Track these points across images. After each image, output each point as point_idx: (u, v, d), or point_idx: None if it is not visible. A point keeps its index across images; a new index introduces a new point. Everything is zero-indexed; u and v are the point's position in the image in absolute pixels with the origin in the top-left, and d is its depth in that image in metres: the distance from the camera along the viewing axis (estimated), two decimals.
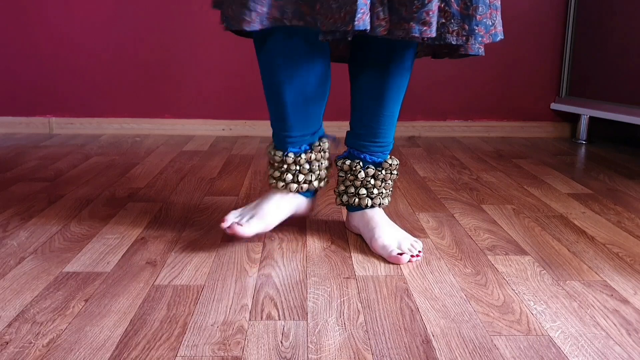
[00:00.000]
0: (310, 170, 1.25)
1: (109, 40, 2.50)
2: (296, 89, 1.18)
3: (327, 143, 1.28)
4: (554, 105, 2.58)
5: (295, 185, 1.25)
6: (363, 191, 1.27)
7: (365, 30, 1.00)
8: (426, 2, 0.99)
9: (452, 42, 1.06)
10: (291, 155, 1.23)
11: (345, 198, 1.30)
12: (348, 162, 1.28)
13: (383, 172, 1.27)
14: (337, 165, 1.30)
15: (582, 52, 2.44)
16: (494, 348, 0.88)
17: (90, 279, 1.10)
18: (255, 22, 1.02)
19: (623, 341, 0.90)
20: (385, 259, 1.19)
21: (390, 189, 1.31)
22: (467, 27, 1.05)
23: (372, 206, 1.28)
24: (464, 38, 1.06)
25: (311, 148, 1.25)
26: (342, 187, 1.30)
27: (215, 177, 1.84)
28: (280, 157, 1.24)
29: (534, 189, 1.74)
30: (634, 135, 2.56)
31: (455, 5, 1.04)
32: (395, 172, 1.29)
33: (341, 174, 1.30)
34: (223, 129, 2.57)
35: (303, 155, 1.24)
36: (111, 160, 2.06)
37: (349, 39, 1.04)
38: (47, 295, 1.03)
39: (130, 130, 2.57)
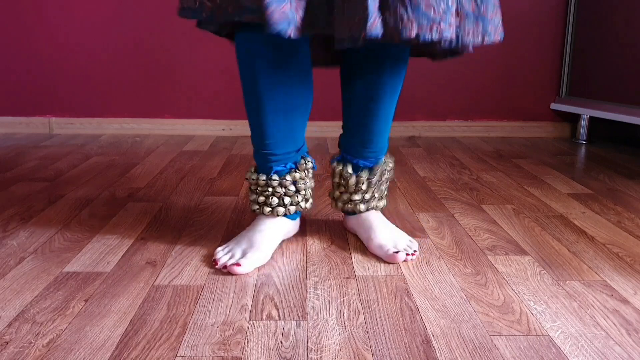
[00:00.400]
0: (297, 191, 1.21)
1: (109, 41, 2.50)
2: (280, 102, 1.13)
3: (311, 163, 1.22)
4: (554, 105, 2.58)
5: (282, 209, 1.20)
6: (356, 197, 1.25)
7: (377, 37, 0.98)
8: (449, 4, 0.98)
9: (468, 43, 1.05)
10: (276, 177, 1.18)
11: (340, 204, 1.29)
12: (340, 167, 1.26)
13: (374, 178, 1.25)
14: (331, 165, 1.29)
15: (582, 52, 2.44)
16: (494, 348, 0.88)
17: (90, 279, 1.10)
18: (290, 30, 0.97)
19: (623, 341, 0.90)
20: (383, 259, 1.19)
21: (386, 191, 1.30)
22: (481, 26, 1.05)
23: (367, 210, 1.27)
24: (480, 37, 1.05)
25: (296, 167, 1.20)
26: (337, 193, 1.29)
27: (215, 177, 1.84)
28: (264, 180, 1.18)
29: (534, 189, 1.74)
30: (634, 135, 2.56)
31: (467, 7, 1.04)
32: (388, 174, 1.27)
33: (335, 179, 1.28)
34: (223, 129, 2.57)
35: (288, 176, 1.19)
36: (111, 160, 2.06)
37: (359, 46, 1.01)
38: (47, 295, 1.03)
39: (130, 130, 2.57)
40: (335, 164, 1.28)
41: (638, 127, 2.53)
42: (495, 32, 1.07)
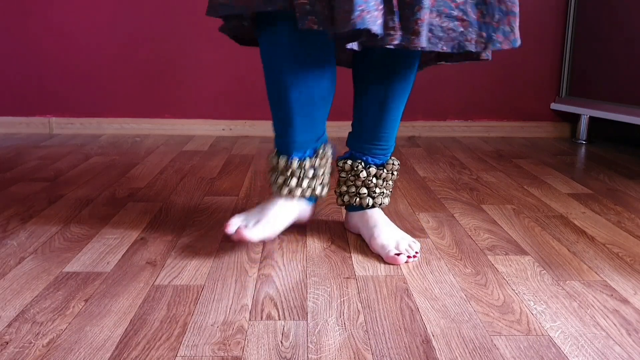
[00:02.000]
0: (314, 176, 1.24)
1: (109, 41, 2.50)
2: (303, 93, 1.16)
3: (330, 150, 1.26)
4: (554, 105, 2.58)
5: (299, 191, 1.22)
6: (364, 191, 1.27)
7: (377, 35, 0.98)
8: (415, 10, 0.99)
9: (472, 50, 1.07)
10: (295, 160, 1.21)
11: (346, 198, 1.30)
12: (350, 162, 1.28)
13: (384, 171, 1.27)
14: (338, 166, 1.30)
15: (582, 52, 2.44)
16: (494, 348, 0.88)
17: (90, 279, 1.10)
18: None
19: (623, 341, 0.90)
20: (384, 260, 1.19)
21: (390, 189, 1.31)
22: (484, 34, 1.06)
23: (373, 206, 1.28)
24: (483, 45, 1.07)
25: (315, 154, 1.23)
26: (344, 188, 1.30)
27: (215, 177, 1.84)
28: (284, 162, 1.21)
29: (534, 189, 1.74)
30: (634, 135, 2.56)
31: (472, 14, 1.05)
32: (395, 172, 1.29)
33: (342, 174, 1.30)
34: (223, 129, 2.57)
35: (307, 161, 1.21)
36: (111, 160, 2.06)
37: (357, 48, 1.02)
38: (47, 295, 1.03)
39: (130, 130, 2.57)
40: (343, 161, 1.29)
41: (638, 127, 2.53)
42: (504, 40, 1.07)
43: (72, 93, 2.54)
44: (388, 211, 1.50)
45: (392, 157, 1.29)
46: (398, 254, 1.17)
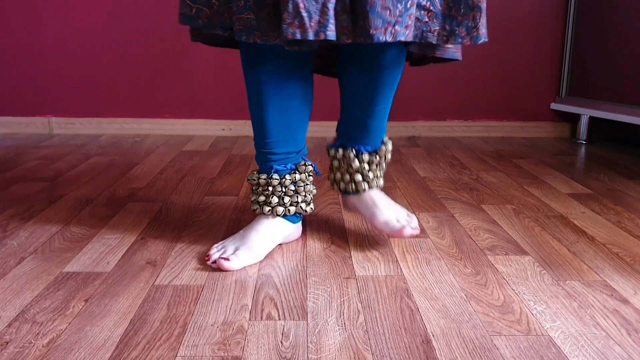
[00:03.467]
0: (296, 192, 1.22)
1: (109, 40, 2.50)
2: (281, 102, 1.16)
3: (311, 166, 1.24)
4: (554, 105, 2.58)
5: (281, 209, 1.20)
6: (359, 177, 1.26)
7: (332, 40, 1.00)
8: (408, 6, 0.99)
9: (433, 42, 1.06)
10: (276, 176, 1.20)
11: (342, 185, 1.29)
12: (341, 150, 1.27)
13: (377, 157, 1.27)
14: (329, 154, 1.30)
15: (582, 52, 2.44)
16: (494, 348, 0.88)
17: (90, 279, 1.10)
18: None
19: (623, 341, 0.90)
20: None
21: (384, 170, 1.31)
22: (447, 27, 1.05)
23: (370, 189, 1.28)
24: (445, 38, 1.06)
25: (296, 168, 1.23)
26: (338, 175, 1.29)
27: (215, 177, 1.84)
28: (264, 179, 1.20)
29: (534, 189, 1.74)
30: (634, 135, 2.56)
31: (438, 5, 1.05)
32: (389, 155, 1.29)
33: (335, 162, 1.29)
34: (223, 129, 2.57)
35: (288, 176, 1.20)
36: (111, 160, 2.06)
37: (315, 47, 1.04)
38: (47, 295, 1.03)
39: (130, 130, 2.57)
40: (334, 149, 1.28)
41: (638, 127, 2.53)
42: (467, 35, 1.05)
43: (72, 93, 2.54)
44: None
45: (384, 140, 1.27)
46: (403, 227, 1.19)
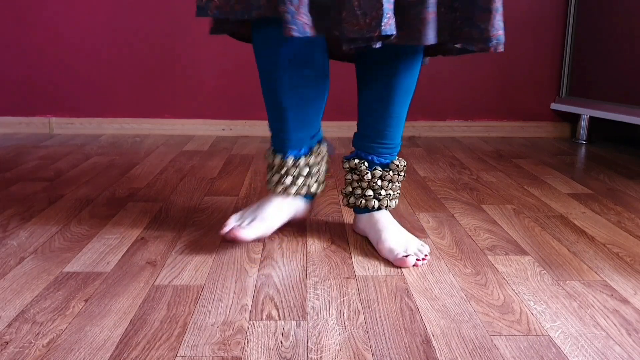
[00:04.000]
0: (309, 174, 1.25)
1: (109, 40, 2.50)
2: (297, 93, 1.18)
3: (325, 147, 1.28)
4: (554, 105, 2.58)
5: (294, 189, 1.24)
6: (370, 193, 1.26)
7: (392, 35, 1.00)
8: (427, 6, 1.00)
9: (468, 45, 1.07)
10: (290, 158, 1.23)
11: (352, 200, 1.29)
12: (355, 162, 1.27)
13: (390, 173, 1.26)
14: (344, 166, 1.30)
15: (582, 52, 2.44)
16: (494, 348, 0.88)
17: (90, 279, 1.10)
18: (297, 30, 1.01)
19: (623, 341, 0.90)
20: (390, 262, 1.18)
21: (398, 191, 1.29)
22: (487, 27, 1.06)
23: (379, 208, 1.27)
24: (487, 37, 1.06)
25: (310, 151, 1.25)
26: (350, 189, 1.29)
27: (215, 177, 1.84)
28: (279, 160, 1.23)
29: (534, 189, 1.74)
30: (634, 135, 2.56)
31: (460, 10, 1.05)
32: (402, 173, 1.28)
33: (348, 175, 1.29)
34: (223, 129, 2.57)
35: (302, 159, 1.23)
36: (111, 160, 2.06)
37: (375, 47, 1.03)
38: (47, 295, 1.03)
39: (130, 130, 2.57)
40: (348, 161, 1.28)
41: (638, 127, 2.53)
42: (497, 32, 1.07)
43: (72, 93, 2.54)
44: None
45: (399, 158, 1.28)
46: (406, 256, 1.16)
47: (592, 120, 2.48)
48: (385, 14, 0.97)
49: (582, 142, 2.48)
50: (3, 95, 2.54)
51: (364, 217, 1.29)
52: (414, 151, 2.26)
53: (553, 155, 2.21)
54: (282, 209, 1.25)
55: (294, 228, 1.37)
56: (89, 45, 2.50)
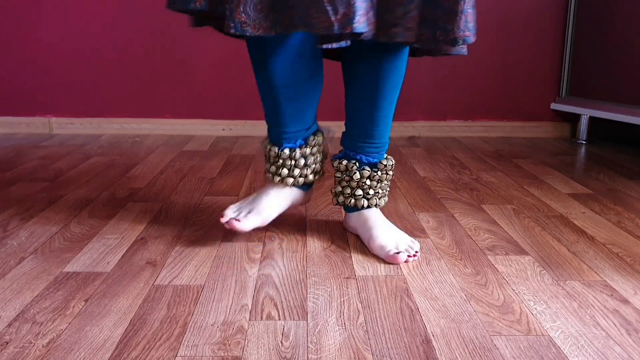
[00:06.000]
0: (306, 165, 1.27)
1: (109, 41, 2.50)
2: (290, 87, 1.19)
3: (321, 137, 1.30)
4: (554, 105, 2.58)
5: (291, 180, 1.26)
6: (359, 192, 1.27)
7: (362, 33, 1.00)
8: (410, 8, 1.00)
9: (443, 44, 1.06)
10: (286, 150, 1.25)
11: (341, 199, 1.30)
12: (344, 162, 1.28)
13: (379, 173, 1.27)
14: (333, 165, 1.30)
15: (582, 52, 2.44)
16: (494, 348, 0.88)
17: (90, 279, 1.10)
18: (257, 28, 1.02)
19: (623, 341, 0.90)
20: (384, 259, 1.19)
21: (387, 189, 1.30)
22: (452, 28, 1.06)
23: (369, 207, 1.28)
24: (452, 39, 1.06)
25: (306, 143, 1.27)
26: (339, 188, 1.30)
27: (215, 177, 1.84)
28: (275, 152, 1.26)
29: (534, 189, 1.74)
30: (634, 135, 2.56)
31: (439, 11, 1.04)
32: (391, 172, 1.28)
33: (338, 174, 1.30)
34: (223, 129, 2.57)
35: (298, 150, 1.25)
36: (111, 160, 2.06)
37: (345, 44, 1.03)
38: (47, 295, 1.03)
39: (130, 130, 2.57)
40: (337, 161, 1.29)
41: (638, 127, 2.53)
42: (472, 35, 1.06)
43: (72, 93, 2.54)
44: (388, 211, 1.50)
45: (387, 157, 1.28)
46: (397, 253, 1.17)
47: (592, 120, 2.48)
48: (357, 11, 0.96)
49: (582, 142, 2.48)
50: (3, 95, 2.54)
51: (353, 215, 1.30)
52: (414, 151, 2.26)
53: (553, 155, 2.21)
54: (279, 199, 1.28)
55: (294, 228, 1.37)
56: (89, 45, 2.50)
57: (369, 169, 1.26)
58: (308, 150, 1.27)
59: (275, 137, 1.27)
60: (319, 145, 1.30)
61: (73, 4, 2.46)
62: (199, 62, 2.52)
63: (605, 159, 2.15)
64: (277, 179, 1.27)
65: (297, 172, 1.26)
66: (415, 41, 1.05)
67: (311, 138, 1.28)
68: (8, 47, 2.50)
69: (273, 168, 1.27)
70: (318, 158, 1.30)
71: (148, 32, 2.49)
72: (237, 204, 1.28)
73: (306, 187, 1.33)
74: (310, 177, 1.29)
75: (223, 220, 1.22)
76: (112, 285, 1.07)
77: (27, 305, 0.99)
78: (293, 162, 1.26)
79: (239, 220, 1.21)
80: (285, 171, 1.26)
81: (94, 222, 1.41)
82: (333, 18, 0.97)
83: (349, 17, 0.96)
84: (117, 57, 2.51)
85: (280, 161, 1.26)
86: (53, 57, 2.51)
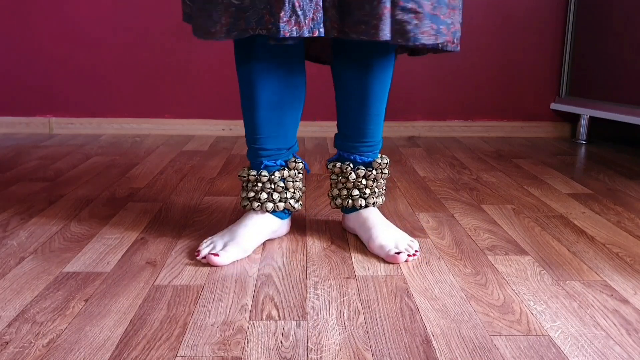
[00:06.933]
0: (285, 188, 1.24)
1: (109, 41, 2.50)
2: (272, 96, 1.17)
3: (301, 163, 1.26)
4: (554, 105, 2.58)
5: (270, 205, 1.22)
6: (356, 192, 1.27)
7: (323, 35, 1.02)
8: (375, 4, 0.99)
9: (426, 43, 1.05)
10: (265, 172, 1.21)
11: (339, 201, 1.29)
12: (339, 164, 1.28)
13: (374, 171, 1.26)
14: (328, 168, 1.30)
15: (582, 52, 2.44)
16: (494, 348, 0.88)
17: (90, 279, 1.10)
18: (222, 33, 1.03)
19: (623, 341, 0.90)
20: (384, 259, 1.19)
21: (383, 187, 1.30)
22: (434, 26, 1.06)
23: (366, 206, 1.28)
24: (434, 37, 1.06)
25: (286, 164, 1.24)
26: (336, 191, 1.30)
27: (215, 177, 1.84)
28: (254, 176, 1.22)
29: (534, 189, 1.74)
30: (634, 135, 2.56)
31: (426, 7, 1.04)
32: (386, 170, 1.28)
33: (333, 177, 1.30)
34: (223, 129, 2.57)
35: (277, 173, 1.22)
36: (111, 160, 2.06)
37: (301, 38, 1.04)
38: (47, 295, 1.03)
39: (130, 130, 2.57)
40: (332, 163, 1.29)
41: (638, 127, 2.53)
42: (448, 32, 1.07)
43: (72, 93, 2.54)
44: (388, 211, 1.50)
45: (381, 155, 1.28)
46: (398, 253, 1.17)
47: (592, 120, 2.48)
48: (320, 15, 1.00)
49: (582, 142, 2.48)
50: (3, 95, 2.54)
51: (352, 216, 1.30)
52: (414, 151, 2.26)
53: (553, 155, 2.21)
54: (257, 229, 1.22)
55: (294, 228, 1.37)
56: (90, 45, 2.50)
57: (363, 168, 1.26)
58: (286, 173, 1.23)
59: (254, 157, 1.22)
60: (299, 171, 1.25)
61: (73, 4, 2.46)
62: (199, 62, 2.52)
63: (605, 159, 2.15)
64: (256, 204, 1.22)
65: (276, 196, 1.22)
66: (409, 38, 1.05)
67: (292, 159, 1.24)
68: (8, 47, 2.50)
69: (251, 194, 1.23)
70: (297, 183, 1.25)
71: (148, 32, 2.49)
72: (209, 238, 1.22)
73: (285, 215, 1.28)
74: (291, 202, 1.24)
75: (199, 257, 1.16)
76: (112, 285, 1.07)
77: (27, 305, 0.99)
78: (272, 185, 1.22)
79: (217, 255, 1.15)
80: (264, 195, 1.21)
81: (94, 222, 1.41)
82: (303, 22, 0.99)
83: (316, 21, 1.00)
84: (117, 57, 2.51)
85: (259, 185, 1.21)
86: (53, 57, 2.51)
